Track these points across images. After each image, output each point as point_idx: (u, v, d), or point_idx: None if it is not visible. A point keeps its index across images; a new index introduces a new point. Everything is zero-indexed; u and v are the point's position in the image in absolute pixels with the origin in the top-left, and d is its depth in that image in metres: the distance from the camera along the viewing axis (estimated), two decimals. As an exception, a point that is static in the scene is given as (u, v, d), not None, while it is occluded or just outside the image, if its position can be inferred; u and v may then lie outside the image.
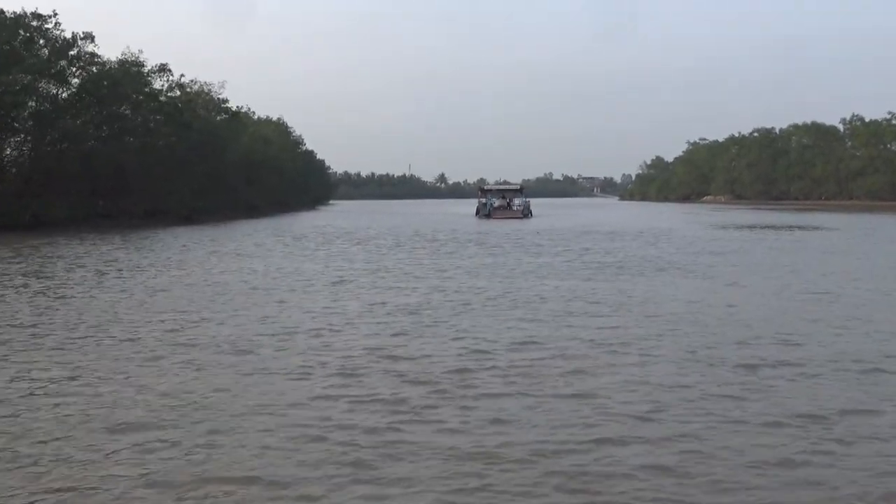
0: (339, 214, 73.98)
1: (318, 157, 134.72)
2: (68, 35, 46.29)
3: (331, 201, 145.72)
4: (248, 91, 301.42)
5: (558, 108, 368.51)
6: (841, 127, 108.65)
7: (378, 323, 10.52)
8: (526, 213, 54.85)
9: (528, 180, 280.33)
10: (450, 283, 15.12)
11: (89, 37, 47.48)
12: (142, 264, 19.14)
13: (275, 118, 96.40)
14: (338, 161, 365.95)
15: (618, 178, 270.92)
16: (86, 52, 47.39)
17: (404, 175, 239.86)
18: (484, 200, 56.57)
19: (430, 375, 7.32)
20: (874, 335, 9.68)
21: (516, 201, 57.65)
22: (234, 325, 10.31)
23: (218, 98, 70.26)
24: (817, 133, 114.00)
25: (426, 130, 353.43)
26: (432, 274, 16.59)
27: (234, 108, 72.11)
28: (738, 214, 65.25)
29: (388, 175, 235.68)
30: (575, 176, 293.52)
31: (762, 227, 39.78)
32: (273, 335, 9.50)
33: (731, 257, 21.18)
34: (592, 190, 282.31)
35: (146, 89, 54.18)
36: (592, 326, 10.16)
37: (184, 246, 24.77)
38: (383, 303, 12.45)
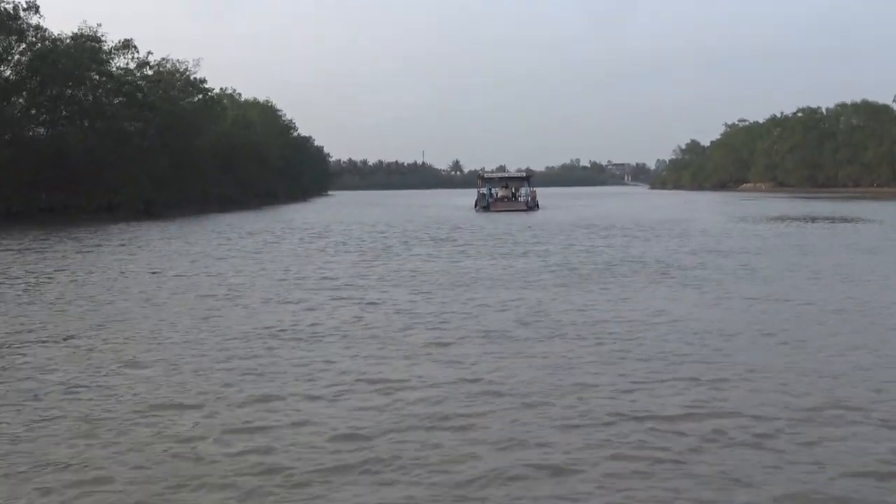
0: (327, 207, 72.36)
1: (315, 143, 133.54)
2: (9, 6, 44.38)
3: (329, 192, 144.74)
4: (241, 74, 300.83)
5: (586, 89, 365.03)
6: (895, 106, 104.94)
7: (221, 351, 8.91)
8: (532, 205, 52.42)
9: (552, 168, 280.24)
10: (354, 294, 13.71)
11: (33, 7, 45.57)
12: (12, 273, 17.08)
13: (262, 100, 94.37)
14: (342, 148, 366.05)
15: (651, 165, 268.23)
16: (29, 25, 45.46)
17: (415, 163, 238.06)
18: (483, 191, 54.07)
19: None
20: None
21: (522, 191, 55.18)
22: None
23: (194, 78, 68.19)
24: (868, 112, 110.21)
25: (440, 115, 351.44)
26: (344, 284, 14.96)
27: (211, 89, 70.06)
28: (776, 204, 63.30)
29: (397, 163, 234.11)
30: (604, 163, 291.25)
31: (800, 219, 38.29)
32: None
33: (743, 258, 19.46)
34: (623, 178, 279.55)
35: (104, 68, 52.33)
36: (484, 371, 8.04)
37: (83, 251, 22.66)
38: (246, 329, 10.51)
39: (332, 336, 9.88)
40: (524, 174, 60.72)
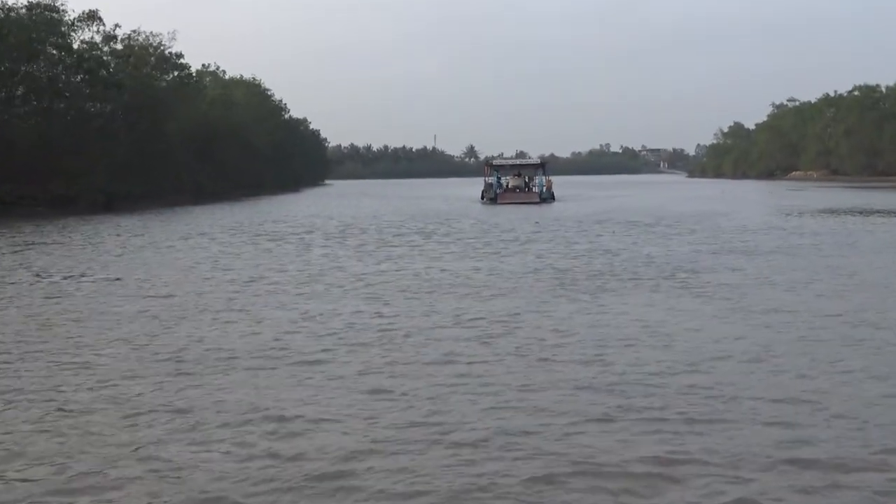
0: (319, 198, 72.01)
1: (310, 126, 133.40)
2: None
3: (327, 181, 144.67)
4: (226, 49, 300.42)
5: (615, 66, 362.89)
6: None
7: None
8: (546, 197, 51.50)
9: (579, 154, 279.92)
10: (288, 302, 13.13)
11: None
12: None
13: (248, 77, 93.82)
14: (343, 132, 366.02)
15: (690, 150, 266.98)
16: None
17: (425, 149, 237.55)
18: (490, 180, 53.16)
19: None
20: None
21: (536, 181, 54.29)
22: None
23: (169, 53, 67.54)
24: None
25: (453, 95, 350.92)
26: (286, 292, 14.40)
27: (188, 66, 69.50)
28: (827, 195, 62.26)
29: (405, 149, 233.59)
30: (637, 148, 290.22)
31: (852, 213, 37.31)
32: None
33: (772, 259, 18.62)
34: (658, 165, 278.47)
35: (64, 41, 51.83)
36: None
37: None
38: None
39: (227, 363, 9.07)
40: (538, 161, 59.69)
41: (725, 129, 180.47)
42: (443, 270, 17.07)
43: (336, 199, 69.55)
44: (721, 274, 16.01)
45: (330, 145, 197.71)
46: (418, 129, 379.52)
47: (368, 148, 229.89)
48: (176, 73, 68.08)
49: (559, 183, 70.09)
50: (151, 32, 66.78)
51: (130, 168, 52.17)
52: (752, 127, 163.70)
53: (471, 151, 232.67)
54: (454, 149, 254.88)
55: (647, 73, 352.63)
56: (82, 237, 27.32)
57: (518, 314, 11.78)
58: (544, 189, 52.23)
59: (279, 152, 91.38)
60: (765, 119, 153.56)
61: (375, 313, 12.03)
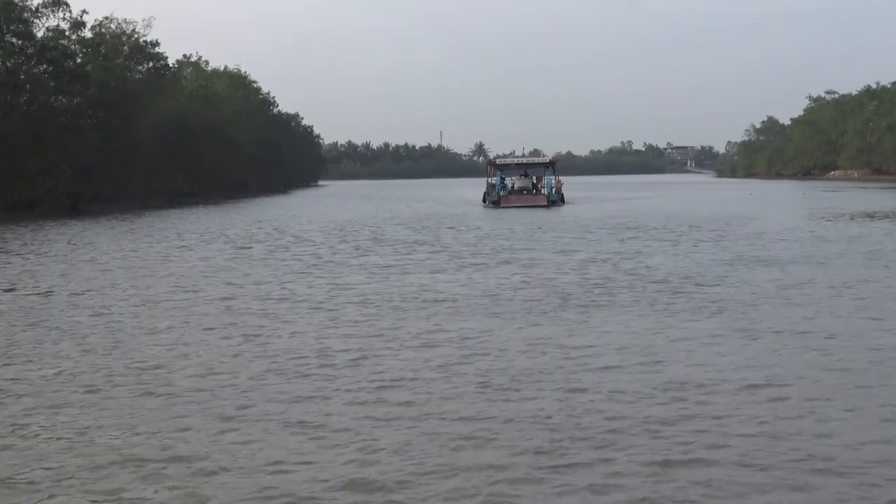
0: (308, 201, 71.92)
1: (303, 122, 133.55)
2: None
3: (320, 182, 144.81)
4: (210, 38, 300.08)
5: (639, 56, 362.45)
6: None
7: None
8: (555, 199, 50.95)
9: (598, 152, 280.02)
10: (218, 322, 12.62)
11: None
12: None
13: (232, 68, 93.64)
14: (341, 129, 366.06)
15: (720, 148, 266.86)
16: None
17: (430, 146, 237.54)
18: (493, 180, 52.60)
19: None
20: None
21: (545, 181, 53.71)
22: None
23: (144, 41, 67.25)
24: None
25: (461, 87, 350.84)
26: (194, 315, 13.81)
27: (165, 56, 69.22)
28: (868, 196, 61.59)
29: (407, 146, 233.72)
30: (662, 145, 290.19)
31: (892, 217, 36.73)
32: None
33: (792, 271, 18.14)
34: (685, 164, 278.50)
35: (26, 29, 51.58)
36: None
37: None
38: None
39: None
40: (547, 159, 59.12)
41: (758, 125, 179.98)
42: (414, 284, 16.70)
43: (326, 201, 69.53)
44: (730, 287, 15.59)
45: (325, 143, 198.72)
46: (423, 125, 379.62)
47: (367, 146, 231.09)
48: (151, 64, 67.82)
49: (574, 184, 69.70)
50: (125, 19, 66.85)
51: (98, 168, 51.95)
52: (786, 122, 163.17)
53: (479, 149, 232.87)
54: (461, 146, 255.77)
55: (672, 64, 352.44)
56: (31, 246, 27.04)
57: (482, 335, 11.36)
58: (553, 191, 51.68)
59: (266, 150, 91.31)
60: (800, 113, 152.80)
61: (319, 334, 11.64)
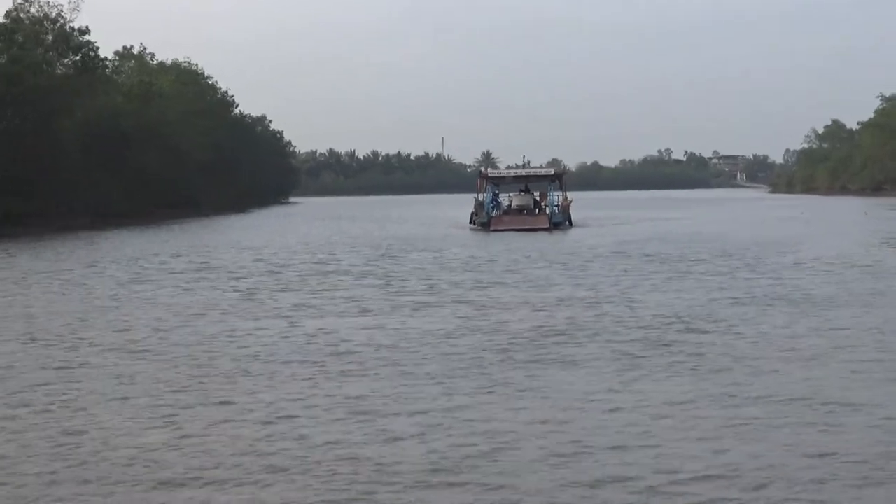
0: (265, 220, 71.70)
1: (270, 127, 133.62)
2: None
3: (292, 198, 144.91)
4: (157, 26, 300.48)
5: (678, 47, 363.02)
6: None
7: None
8: (560, 220, 49.63)
9: (629, 162, 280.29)
10: None
11: None
12: None
13: (182, 61, 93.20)
14: (319, 135, 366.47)
15: (777, 157, 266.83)
16: None
17: (427, 156, 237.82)
18: (482, 197, 51.41)
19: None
20: None
21: (551, 198, 52.51)
22: None
23: (70, 28, 66.47)
24: None
25: (466, 87, 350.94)
26: None
27: (95, 45, 68.18)
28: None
29: (400, 155, 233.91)
30: (707, 154, 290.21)
31: None
32: None
33: (814, 312, 17.61)
34: (734, 176, 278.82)
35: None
36: None
37: None
38: None
39: None
40: (551, 171, 57.91)
41: (820, 130, 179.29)
42: (318, 331, 16.21)
43: (284, 221, 69.56)
44: (725, 335, 15.08)
45: (302, 151, 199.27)
46: (420, 130, 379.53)
47: (352, 154, 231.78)
48: (79, 56, 66.93)
49: (592, 201, 68.86)
50: (48, 2, 65.84)
51: (9, 181, 51.15)
52: (854, 126, 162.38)
53: (487, 159, 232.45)
54: (466, 156, 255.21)
55: (719, 56, 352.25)
56: None
57: (360, 406, 10.73)
58: (556, 210, 50.39)
59: (222, 160, 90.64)
60: (871, 116, 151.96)
61: (165, 401, 10.94)
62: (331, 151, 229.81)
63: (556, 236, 44.76)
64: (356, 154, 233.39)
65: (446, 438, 9.11)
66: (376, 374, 12.36)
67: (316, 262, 30.90)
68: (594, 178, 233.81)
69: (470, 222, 52.42)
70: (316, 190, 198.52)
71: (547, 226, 48.11)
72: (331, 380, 12.03)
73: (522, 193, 54.17)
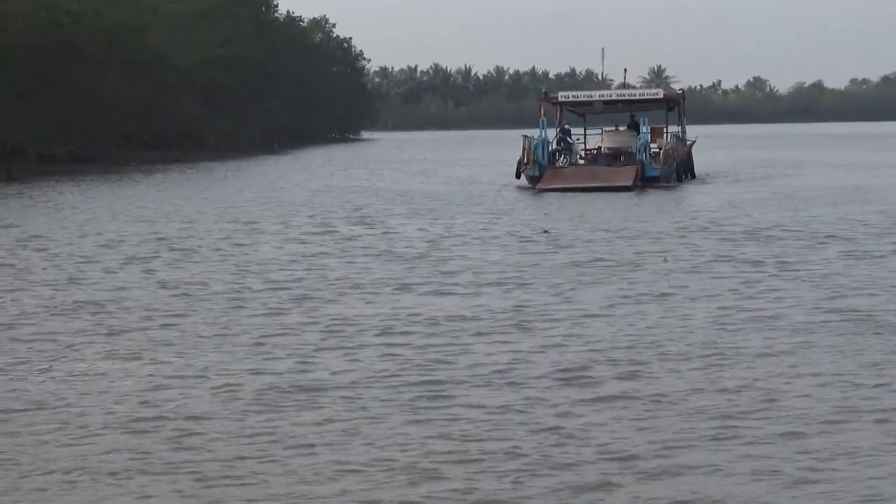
0: (287, 171, 70.91)
1: (333, 34, 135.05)
2: None
3: (364, 134, 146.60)
4: None
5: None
6: None
7: None
8: (657, 172, 44.90)
9: (864, 82, 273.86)
10: None
11: None
12: None
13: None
14: (419, 49, 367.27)
15: None
16: None
17: (574, 74, 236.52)
18: (538, 137, 46.93)
19: None
20: None
21: (667, 138, 48.40)
22: None
23: None
24: None
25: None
26: None
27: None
28: None
29: (534, 73, 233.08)
30: None
31: None
32: None
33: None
34: None
35: None
36: None
37: None
38: None
39: None
40: (660, 94, 52.94)
41: None
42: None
43: (315, 172, 67.25)
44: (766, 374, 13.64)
45: (394, 69, 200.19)
46: (569, 42, 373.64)
47: (467, 72, 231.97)
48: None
49: (798, 139, 64.77)
50: None
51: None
52: None
53: (658, 77, 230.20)
54: (631, 75, 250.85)
55: None
56: None
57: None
58: (651, 156, 45.54)
59: (250, 81, 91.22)
60: None
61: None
62: (435, 68, 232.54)
63: (650, 198, 40.71)
64: (473, 72, 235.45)
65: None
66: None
67: (280, 221, 31.25)
68: (811, 105, 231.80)
69: (516, 176, 48.11)
70: (417, 122, 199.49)
71: (629, 183, 43.51)
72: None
73: (615, 131, 50.14)
